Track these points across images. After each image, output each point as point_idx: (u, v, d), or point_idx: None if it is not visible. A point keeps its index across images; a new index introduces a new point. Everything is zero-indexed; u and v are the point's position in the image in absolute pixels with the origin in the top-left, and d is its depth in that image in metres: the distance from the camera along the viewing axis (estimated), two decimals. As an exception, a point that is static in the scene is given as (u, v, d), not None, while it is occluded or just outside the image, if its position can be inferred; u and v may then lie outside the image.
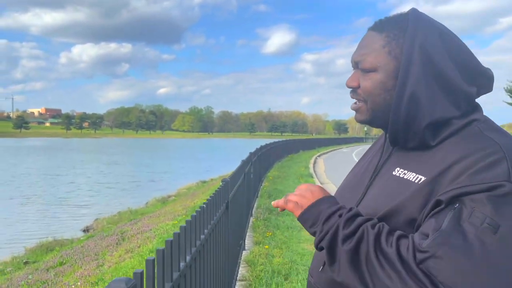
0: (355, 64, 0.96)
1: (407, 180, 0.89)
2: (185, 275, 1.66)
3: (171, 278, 1.45)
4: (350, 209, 0.89)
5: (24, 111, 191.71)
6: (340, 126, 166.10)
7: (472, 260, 0.72)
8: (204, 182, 19.53)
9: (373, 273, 0.79)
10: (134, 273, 1.06)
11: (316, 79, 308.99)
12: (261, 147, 10.41)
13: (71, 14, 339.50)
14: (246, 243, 5.43)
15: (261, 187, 10.12)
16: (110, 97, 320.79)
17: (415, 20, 0.89)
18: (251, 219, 6.76)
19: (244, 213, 5.31)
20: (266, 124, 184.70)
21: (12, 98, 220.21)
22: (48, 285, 5.62)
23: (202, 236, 2.09)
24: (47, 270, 6.49)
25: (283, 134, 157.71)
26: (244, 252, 5.05)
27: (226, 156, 41.70)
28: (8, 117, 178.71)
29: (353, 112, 1.00)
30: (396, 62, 0.89)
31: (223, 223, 2.98)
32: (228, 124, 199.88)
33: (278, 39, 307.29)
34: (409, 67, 0.87)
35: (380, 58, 0.90)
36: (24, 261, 8.56)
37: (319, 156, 25.30)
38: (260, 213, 7.17)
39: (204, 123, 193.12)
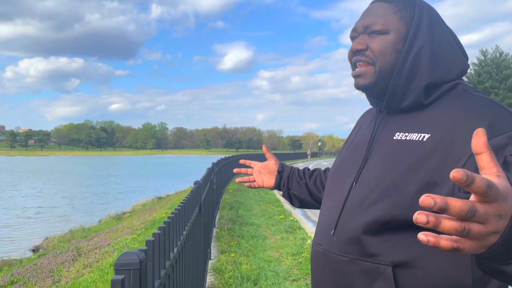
0: (364, 29, 1.02)
1: (411, 141, 0.94)
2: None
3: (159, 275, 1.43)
4: None
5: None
6: (295, 142, 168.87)
7: None
8: (160, 198, 19.07)
9: None
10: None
11: (271, 96, 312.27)
12: (222, 159, 10.41)
13: (20, 27, 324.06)
14: (211, 252, 5.37)
15: (222, 199, 10.07)
16: (58, 113, 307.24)
17: None
18: (214, 230, 6.70)
19: (209, 222, 5.27)
20: (221, 141, 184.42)
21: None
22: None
23: (179, 242, 2.05)
24: (-4, 290, 6.06)
25: (238, 150, 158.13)
26: (210, 261, 5.00)
27: (181, 173, 40.99)
28: None
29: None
30: (406, 27, 0.99)
31: (197, 227, 2.96)
32: (182, 140, 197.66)
33: (234, 56, 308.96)
34: (418, 30, 0.97)
35: (392, 21, 0.99)
36: (-33, 284, 7.95)
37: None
38: (223, 224, 7.13)
39: (158, 139, 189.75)
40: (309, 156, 54.53)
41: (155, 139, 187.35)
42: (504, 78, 40.69)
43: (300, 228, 6.95)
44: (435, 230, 0.52)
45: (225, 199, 10.29)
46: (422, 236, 0.52)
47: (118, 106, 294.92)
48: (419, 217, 0.51)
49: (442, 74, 0.97)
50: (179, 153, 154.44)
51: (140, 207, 17.07)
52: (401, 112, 1.00)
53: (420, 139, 0.92)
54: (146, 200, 19.22)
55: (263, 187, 1.48)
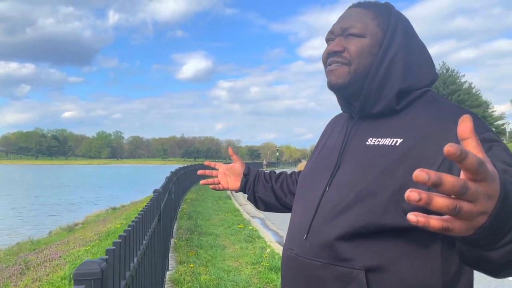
0: (342, 31, 1.04)
1: (384, 146, 0.95)
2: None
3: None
4: None
5: None
6: (253, 152, 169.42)
7: None
8: (115, 208, 18.45)
9: None
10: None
11: (230, 106, 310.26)
12: (180, 169, 10.25)
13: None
14: (169, 263, 5.25)
15: (179, 209, 9.90)
16: (7, 120, 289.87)
17: (394, 8, 1.06)
18: (172, 240, 6.57)
19: (167, 232, 5.16)
20: (179, 150, 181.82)
21: None
22: None
23: (139, 251, 2.01)
24: None
25: (196, 159, 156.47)
26: (168, 272, 4.89)
27: (137, 183, 39.92)
28: None
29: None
30: (383, 33, 1.02)
31: (156, 237, 2.88)
32: (139, 149, 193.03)
33: (194, 65, 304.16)
34: (393, 37, 1.01)
35: (370, 27, 1.02)
36: None
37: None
38: (181, 234, 7.00)
39: (113, 148, 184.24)
40: (264, 167, 54.80)
41: (110, 148, 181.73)
42: (451, 93, 43.04)
43: (260, 237, 6.95)
44: (424, 210, 0.51)
45: (183, 209, 10.12)
46: (412, 216, 0.50)
47: (71, 114, 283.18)
48: (411, 194, 0.49)
49: (414, 81, 1.00)
50: (135, 163, 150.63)
51: (94, 218, 16.44)
52: (373, 117, 1.02)
53: (393, 144, 0.94)
54: (100, 211, 18.52)
55: (228, 189, 1.46)
